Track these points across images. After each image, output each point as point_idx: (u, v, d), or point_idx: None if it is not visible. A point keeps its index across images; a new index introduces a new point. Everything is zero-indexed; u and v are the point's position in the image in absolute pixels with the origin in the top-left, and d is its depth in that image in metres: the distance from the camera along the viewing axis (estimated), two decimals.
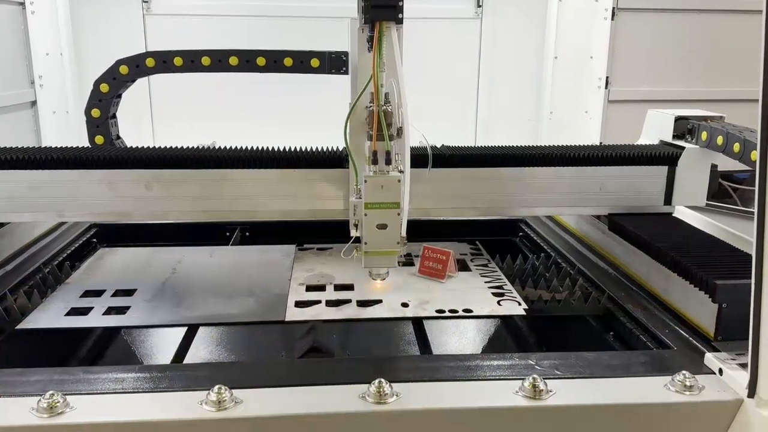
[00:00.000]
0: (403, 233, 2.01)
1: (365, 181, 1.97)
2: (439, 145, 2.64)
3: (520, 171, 2.58)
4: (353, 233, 2.16)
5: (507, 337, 2.66)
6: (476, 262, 2.73)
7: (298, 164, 2.48)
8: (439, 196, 2.55)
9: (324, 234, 2.99)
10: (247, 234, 3.15)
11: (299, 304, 2.26)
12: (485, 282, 2.50)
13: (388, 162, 1.96)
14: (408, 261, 2.63)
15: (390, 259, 2.06)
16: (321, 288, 2.41)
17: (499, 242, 3.15)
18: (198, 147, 2.58)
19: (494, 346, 2.66)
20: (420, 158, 2.31)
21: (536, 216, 3.19)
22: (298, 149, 2.53)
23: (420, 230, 2.91)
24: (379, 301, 2.28)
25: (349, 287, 2.42)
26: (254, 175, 2.48)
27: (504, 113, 4.79)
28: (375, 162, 1.99)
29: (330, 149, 2.52)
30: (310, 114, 4.25)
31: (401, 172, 1.97)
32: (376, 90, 1.96)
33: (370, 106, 2.00)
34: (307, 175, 2.48)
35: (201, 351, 2.54)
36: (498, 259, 2.80)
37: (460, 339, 2.69)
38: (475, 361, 1.85)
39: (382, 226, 1.98)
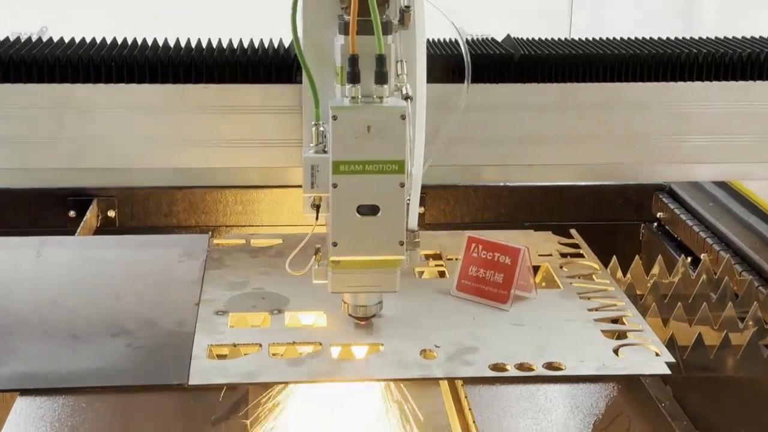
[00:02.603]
0: (413, 224, 1.64)
1: (334, 118, 1.59)
2: (500, 38, 2.15)
3: (664, 88, 1.99)
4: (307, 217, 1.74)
5: (632, 420, 2.14)
6: (571, 268, 2.12)
7: (208, 75, 1.97)
8: (493, 141, 1.99)
9: (264, 210, 2.65)
10: (111, 213, 2.65)
11: (217, 351, 1.75)
12: (589, 310, 1.88)
13: (382, 79, 1.58)
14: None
15: (387, 275, 1.68)
16: (262, 319, 1.87)
17: (617, 231, 2.66)
18: (17, 40, 2.12)
19: None
20: (450, 65, 1.93)
21: (694, 182, 2.62)
22: (209, 46, 2.05)
23: (454, 208, 2.71)
24: (378, 347, 1.74)
25: (318, 318, 1.86)
26: (123, 95, 1.95)
27: None
28: (355, 79, 1.59)
29: (271, 46, 2.07)
30: None
31: (408, 98, 1.61)
32: None
33: None
34: (228, 94, 1.96)
35: None
36: (615, 264, 2.20)
37: (536, 424, 2.11)
38: None
39: (370, 210, 1.61)
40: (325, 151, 1.60)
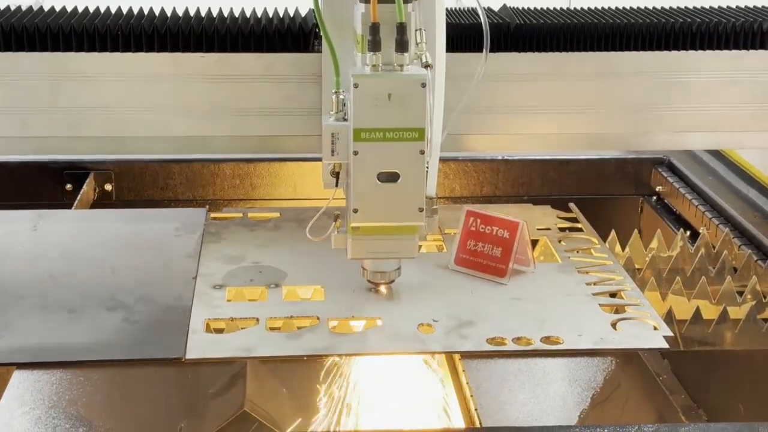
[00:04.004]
0: (432, 191, 1.69)
1: (356, 85, 1.61)
2: (497, 7, 2.14)
3: (658, 57, 2.02)
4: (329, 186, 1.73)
5: (630, 394, 2.23)
6: (570, 242, 2.12)
7: (205, 43, 1.99)
8: (487, 110, 2.01)
9: (261, 184, 2.68)
10: (108, 187, 2.65)
11: (214, 325, 1.77)
12: (588, 284, 1.89)
13: (403, 47, 1.60)
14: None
15: (406, 241, 1.71)
16: (260, 293, 1.86)
17: (616, 205, 2.71)
18: (18, 9, 2.11)
19: (605, 412, 2.20)
20: (462, 35, 1.99)
21: (693, 155, 2.63)
22: (208, 15, 2.06)
23: (452, 182, 2.74)
24: (376, 321, 1.74)
25: (315, 292, 1.85)
26: (124, 64, 1.97)
27: None
28: (376, 47, 1.61)
29: (265, 14, 2.08)
30: None
31: (428, 66, 1.64)
32: None
33: None
34: (234, 64, 1.98)
35: (16, 419, 2.09)
36: (613, 238, 2.21)
37: (534, 398, 2.21)
38: None
39: (390, 177, 1.65)
40: (345, 119, 1.62)
